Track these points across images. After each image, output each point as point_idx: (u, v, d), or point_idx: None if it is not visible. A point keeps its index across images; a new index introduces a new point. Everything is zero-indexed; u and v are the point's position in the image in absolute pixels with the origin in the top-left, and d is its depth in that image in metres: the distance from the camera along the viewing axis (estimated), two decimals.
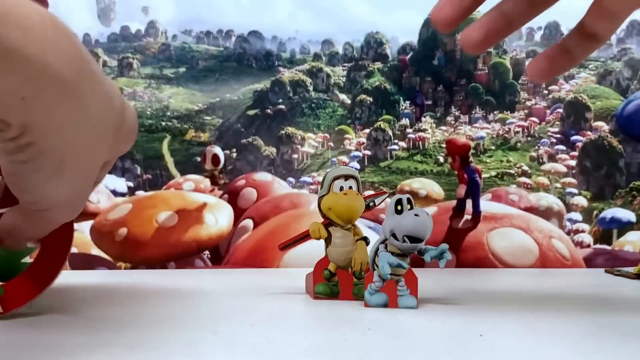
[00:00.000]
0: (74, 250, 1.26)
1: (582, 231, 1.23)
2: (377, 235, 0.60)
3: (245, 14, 1.38)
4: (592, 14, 0.41)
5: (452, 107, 1.32)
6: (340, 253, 0.56)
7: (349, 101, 1.34)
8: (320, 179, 0.56)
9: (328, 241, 0.56)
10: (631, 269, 0.79)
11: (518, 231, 1.18)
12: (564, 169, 1.25)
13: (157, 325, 0.46)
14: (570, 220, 1.24)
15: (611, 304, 0.59)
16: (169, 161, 1.34)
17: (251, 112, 1.40)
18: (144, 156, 1.34)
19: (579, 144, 1.25)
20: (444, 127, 1.31)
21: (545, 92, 1.31)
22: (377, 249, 0.55)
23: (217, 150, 1.39)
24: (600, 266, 1.10)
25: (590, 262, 1.19)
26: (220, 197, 1.33)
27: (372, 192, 0.63)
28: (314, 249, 0.59)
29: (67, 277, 0.91)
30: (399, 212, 0.52)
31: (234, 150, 1.38)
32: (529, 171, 1.27)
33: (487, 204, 1.24)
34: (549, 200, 1.24)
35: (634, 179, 1.25)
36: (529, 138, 1.29)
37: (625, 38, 1.30)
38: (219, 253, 1.30)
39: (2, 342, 0.42)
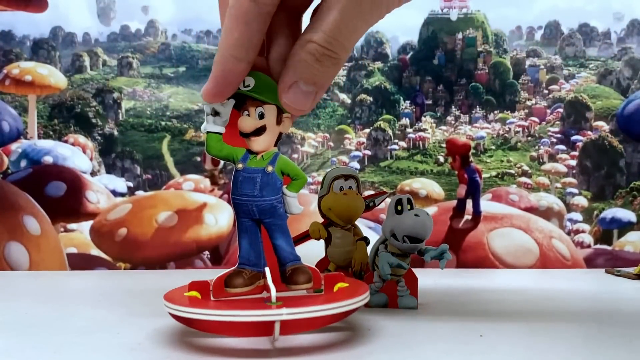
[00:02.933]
0: (73, 250, 1.26)
1: (583, 231, 1.23)
2: (377, 235, 0.60)
3: None
4: None
5: (452, 106, 1.32)
6: (340, 253, 0.56)
7: (349, 101, 1.34)
8: (320, 178, 0.55)
9: (328, 241, 0.56)
10: (631, 269, 0.78)
11: (518, 231, 1.18)
12: (564, 169, 1.25)
13: (157, 326, 0.45)
14: (570, 220, 1.24)
15: (611, 304, 0.59)
16: (169, 161, 1.34)
17: None
18: (143, 156, 1.33)
19: (579, 144, 1.25)
20: (444, 127, 1.31)
21: (546, 91, 1.31)
22: (377, 249, 0.54)
23: None
24: (600, 266, 1.10)
25: (590, 262, 1.19)
26: (220, 197, 1.33)
27: (372, 192, 0.63)
28: (314, 249, 0.59)
29: (67, 278, 0.91)
30: (399, 212, 0.51)
31: None
32: (529, 171, 1.27)
33: (487, 204, 1.24)
34: (550, 200, 1.23)
35: (634, 179, 1.24)
36: (529, 138, 1.29)
37: (626, 38, 1.30)
38: (219, 253, 1.30)
39: (2, 343, 0.42)
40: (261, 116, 0.41)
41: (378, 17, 0.37)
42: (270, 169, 0.41)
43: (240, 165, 0.41)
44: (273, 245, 0.42)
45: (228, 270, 0.43)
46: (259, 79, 0.40)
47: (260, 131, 0.41)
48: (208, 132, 0.41)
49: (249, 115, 0.41)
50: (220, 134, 0.41)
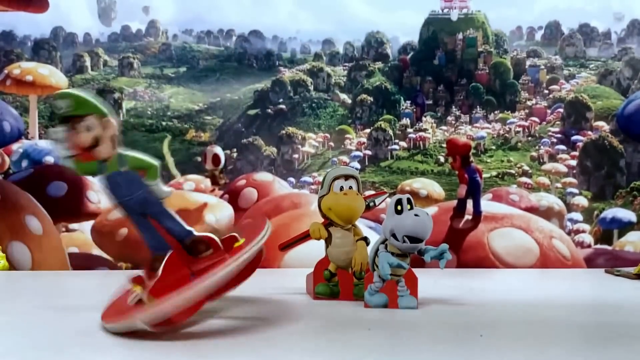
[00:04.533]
0: (74, 250, 1.27)
1: (583, 231, 1.23)
2: (377, 235, 0.60)
3: (246, 13, 1.38)
4: None
5: (453, 106, 1.32)
6: (340, 253, 0.56)
7: (349, 101, 1.34)
8: (321, 179, 0.56)
9: (328, 241, 0.56)
10: (631, 269, 0.78)
11: (519, 231, 1.18)
12: (565, 169, 1.25)
13: None
14: (571, 220, 1.24)
15: (611, 304, 0.59)
16: (170, 161, 1.34)
17: (252, 112, 1.40)
18: None
19: (580, 144, 1.25)
20: (444, 127, 1.31)
21: (546, 91, 1.31)
22: (377, 249, 0.54)
23: (218, 150, 1.39)
24: (601, 266, 1.10)
25: (591, 262, 1.19)
26: (221, 197, 1.33)
27: (372, 192, 0.63)
28: (314, 250, 0.59)
29: (68, 278, 0.91)
30: (399, 213, 0.51)
31: (235, 150, 1.38)
32: (530, 171, 1.27)
33: (487, 204, 1.24)
34: (550, 200, 1.23)
35: (634, 179, 1.25)
36: (529, 138, 1.29)
37: (626, 38, 1.30)
38: None
39: (3, 343, 0.42)
40: (89, 129, 0.45)
41: None
42: (124, 169, 0.46)
43: (102, 175, 0.47)
44: (165, 229, 0.48)
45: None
46: (72, 97, 0.44)
47: (96, 141, 0.45)
48: (68, 157, 0.46)
49: (78, 132, 0.45)
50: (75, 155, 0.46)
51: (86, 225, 1.27)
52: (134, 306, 0.45)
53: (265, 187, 1.32)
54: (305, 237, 0.59)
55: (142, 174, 0.47)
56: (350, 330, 0.46)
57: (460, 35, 1.32)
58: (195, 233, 0.49)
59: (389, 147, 1.32)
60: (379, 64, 1.35)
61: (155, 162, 0.48)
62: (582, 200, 1.25)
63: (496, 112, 1.31)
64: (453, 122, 1.32)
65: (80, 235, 1.26)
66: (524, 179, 1.27)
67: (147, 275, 0.48)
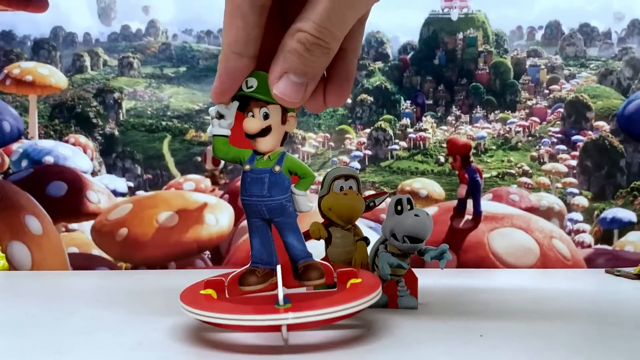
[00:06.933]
0: (74, 250, 1.27)
1: (583, 231, 1.23)
2: (377, 235, 0.60)
3: None
4: None
5: (453, 106, 1.32)
6: (340, 253, 0.56)
7: (349, 101, 1.34)
8: (321, 179, 0.56)
9: (328, 241, 0.56)
10: (631, 269, 0.78)
11: (519, 231, 1.18)
12: (565, 169, 1.25)
13: (157, 326, 0.46)
14: (571, 220, 1.24)
15: (611, 304, 0.59)
16: (170, 161, 1.34)
17: None
18: (144, 156, 1.34)
19: (580, 144, 1.25)
20: (444, 127, 1.31)
21: (546, 91, 1.30)
22: (377, 249, 0.54)
23: None
24: (601, 266, 1.10)
25: (591, 262, 1.20)
26: (221, 197, 1.33)
27: (372, 192, 0.63)
28: (314, 250, 0.59)
29: (67, 277, 0.91)
30: (399, 213, 0.51)
31: None
32: (530, 171, 1.27)
33: (488, 204, 1.24)
34: (550, 200, 1.23)
35: (635, 179, 1.24)
36: (529, 138, 1.29)
37: (626, 38, 1.30)
38: (219, 253, 1.30)
39: (3, 343, 0.42)
40: (266, 116, 0.41)
41: (366, 5, 0.36)
42: (277, 168, 0.41)
43: (247, 167, 0.42)
44: (284, 243, 0.43)
45: (242, 268, 0.43)
46: (262, 79, 0.40)
47: (265, 132, 0.41)
48: (214, 135, 0.42)
49: (253, 116, 0.41)
50: (226, 136, 0.42)
51: (86, 225, 1.27)
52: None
53: None
54: (305, 237, 0.59)
55: (293, 180, 0.42)
56: (350, 330, 0.46)
57: (460, 35, 1.32)
58: (314, 258, 0.44)
59: (389, 147, 1.32)
60: (379, 64, 1.35)
61: (314, 173, 0.43)
62: (582, 200, 1.25)
63: (496, 112, 1.31)
64: (453, 122, 1.32)
65: (80, 235, 1.26)
66: (524, 179, 1.27)
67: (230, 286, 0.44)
